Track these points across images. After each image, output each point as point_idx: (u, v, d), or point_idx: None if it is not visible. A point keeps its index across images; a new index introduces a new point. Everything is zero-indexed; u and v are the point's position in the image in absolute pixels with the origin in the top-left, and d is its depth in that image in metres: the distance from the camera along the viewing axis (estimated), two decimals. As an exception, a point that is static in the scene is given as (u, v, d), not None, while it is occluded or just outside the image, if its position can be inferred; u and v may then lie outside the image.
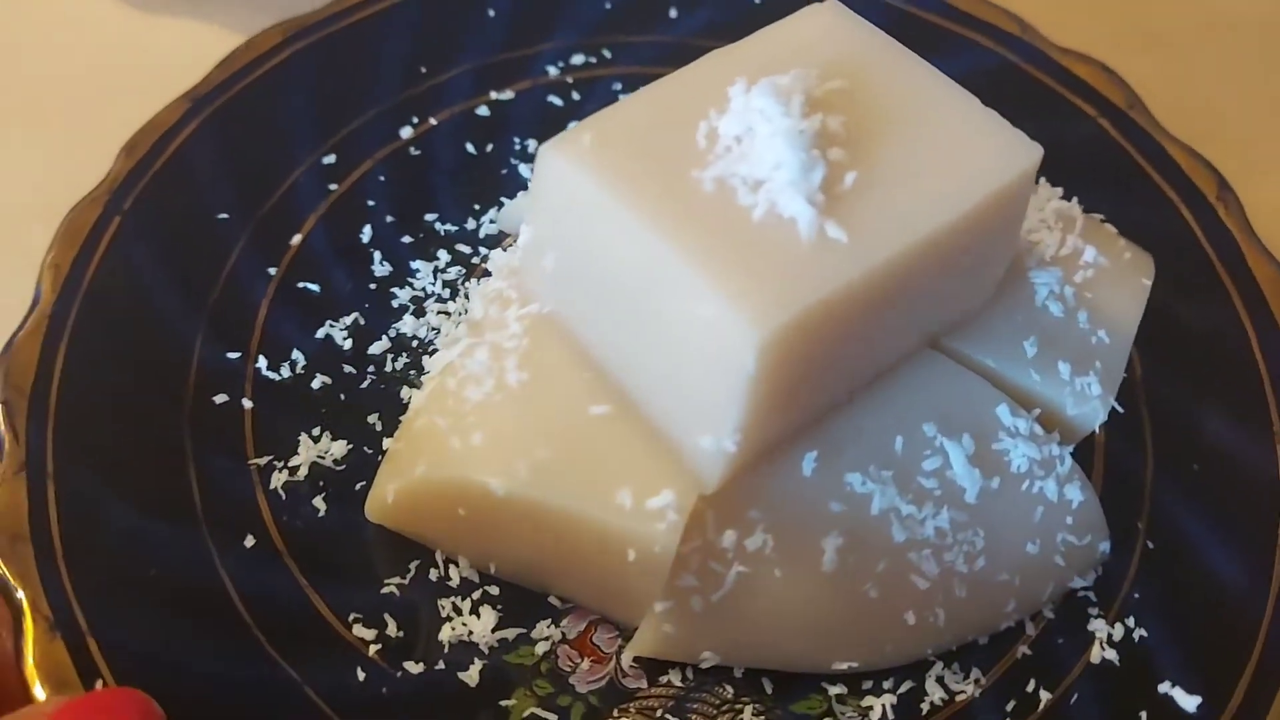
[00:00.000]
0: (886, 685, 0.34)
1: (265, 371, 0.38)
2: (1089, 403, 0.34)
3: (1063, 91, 0.45)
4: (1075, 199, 0.38)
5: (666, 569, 0.32)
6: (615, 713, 0.33)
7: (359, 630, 0.34)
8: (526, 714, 0.33)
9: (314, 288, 0.40)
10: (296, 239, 0.41)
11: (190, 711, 0.29)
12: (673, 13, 0.48)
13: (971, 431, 0.34)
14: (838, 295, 0.28)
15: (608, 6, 0.47)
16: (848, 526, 0.32)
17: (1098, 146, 0.44)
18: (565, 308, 0.34)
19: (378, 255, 0.41)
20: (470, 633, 0.34)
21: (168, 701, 0.28)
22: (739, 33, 0.34)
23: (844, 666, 0.33)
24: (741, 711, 0.34)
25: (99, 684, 0.31)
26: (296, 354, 0.39)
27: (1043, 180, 0.38)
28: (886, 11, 0.47)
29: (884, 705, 0.34)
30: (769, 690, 0.34)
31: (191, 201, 0.41)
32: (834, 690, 0.34)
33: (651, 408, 0.32)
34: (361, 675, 0.33)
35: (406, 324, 0.40)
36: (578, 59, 0.46)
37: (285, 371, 0.38)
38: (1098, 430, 0.36)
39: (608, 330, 0.32)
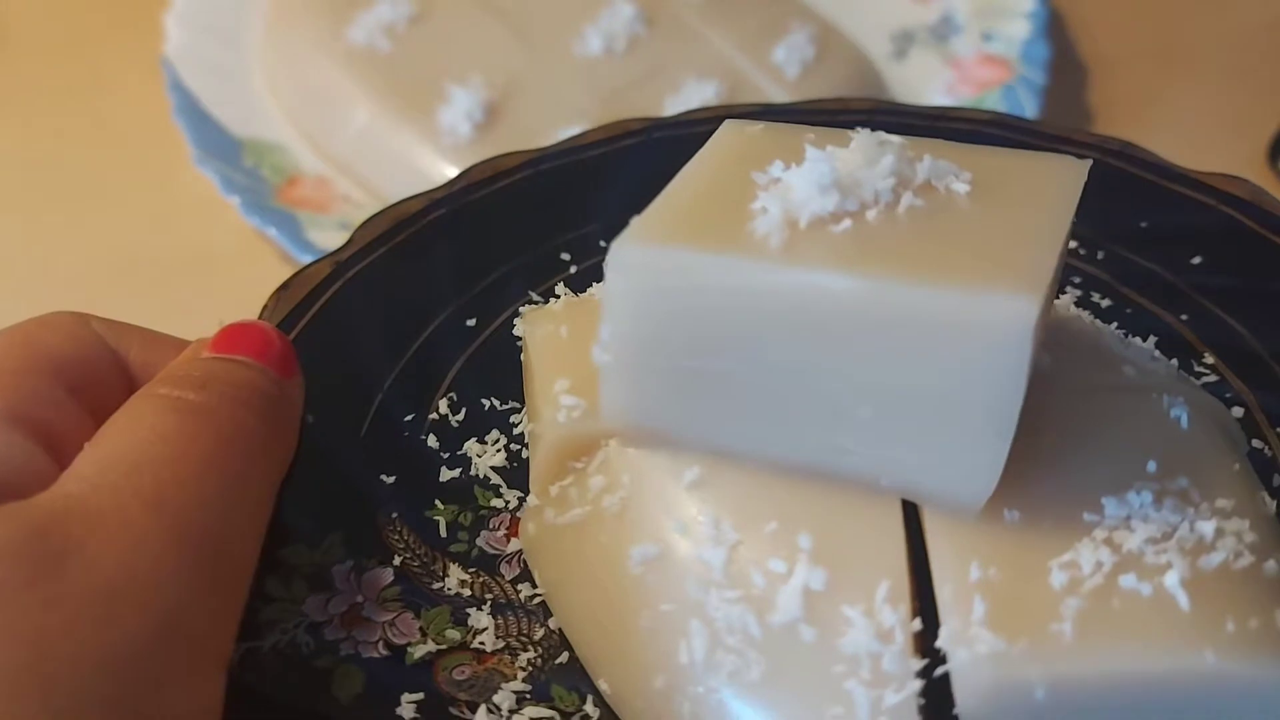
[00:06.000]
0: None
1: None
2: (968, 644, 0.28)
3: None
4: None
5: (542, 460, 0.34)
6: (466, 567, 0.36)
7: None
8: (437, 519, 0.38)
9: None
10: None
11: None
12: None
13: (834, 575, 0.29)
14: (712, 273, 0.29)
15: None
16: (668, 550, 0.31)
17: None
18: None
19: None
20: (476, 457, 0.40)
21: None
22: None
23: (604, 686, 0.32)
24: (520, 653, 0.34)
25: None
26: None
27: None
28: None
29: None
30: (559, 661, 0.34)
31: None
32: (590, 708, 0.33)
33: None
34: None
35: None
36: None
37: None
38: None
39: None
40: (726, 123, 0.35)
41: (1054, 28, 0.74)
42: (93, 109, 0.74)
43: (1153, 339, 0.40)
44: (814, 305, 0.28)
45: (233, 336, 0.35)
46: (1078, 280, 0.45)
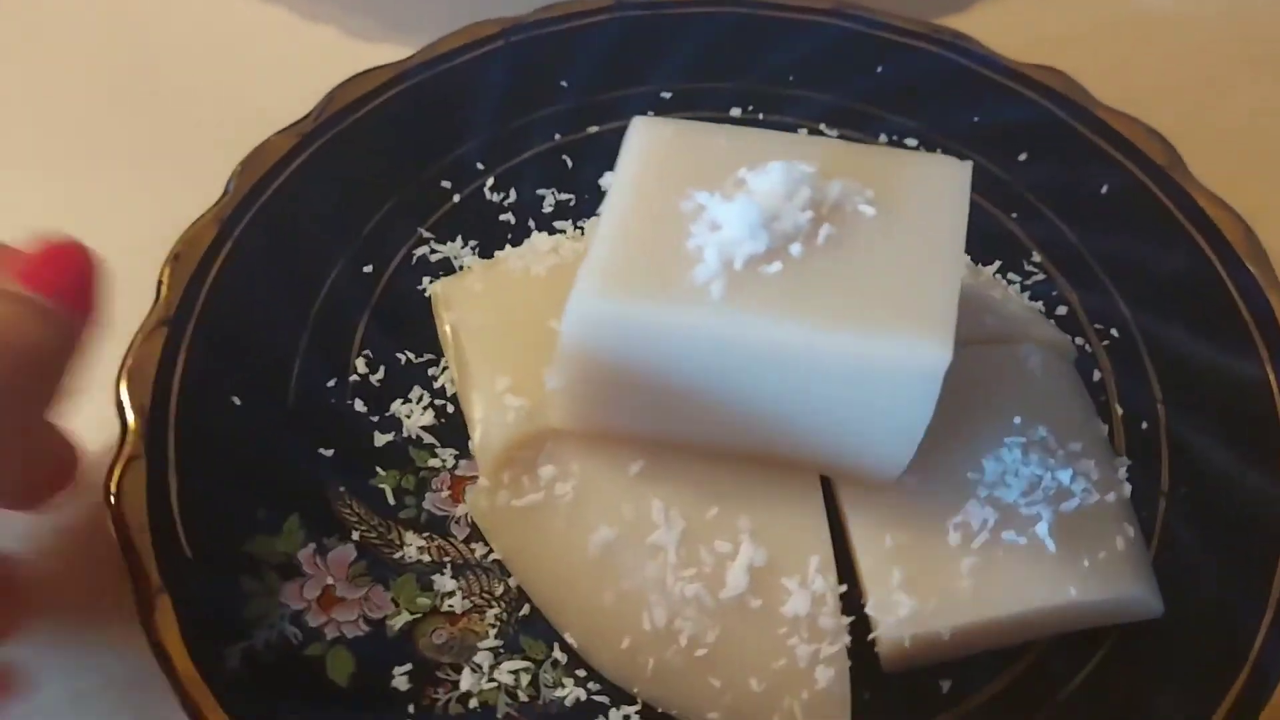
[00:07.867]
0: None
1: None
2: (892, 610, 0.34)
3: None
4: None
5: (489, 453, 0.38)
6: (420, 532, 0.40)
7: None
8: (382, 486, 0.41)
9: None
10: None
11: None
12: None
13: (773, 553, 0.35)
14: (666, 324, 0.32)
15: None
16: (624, 533, 0.36)
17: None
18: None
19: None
20: (405, 418, 0.43)
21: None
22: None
23: (571, 639, 0.37)
24: (486, 610, 0.39)
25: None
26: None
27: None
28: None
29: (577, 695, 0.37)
30: (522, 614, 0.39)
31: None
32: (558, 654, 0.38)
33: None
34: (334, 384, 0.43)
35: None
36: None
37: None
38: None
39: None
40: (637, 122, 0.37)
41: None
42: None
43: (998, 263, 0.46)
44: (757, 345, 0.32)
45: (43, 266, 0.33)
46: (920, 180, 0.49)
